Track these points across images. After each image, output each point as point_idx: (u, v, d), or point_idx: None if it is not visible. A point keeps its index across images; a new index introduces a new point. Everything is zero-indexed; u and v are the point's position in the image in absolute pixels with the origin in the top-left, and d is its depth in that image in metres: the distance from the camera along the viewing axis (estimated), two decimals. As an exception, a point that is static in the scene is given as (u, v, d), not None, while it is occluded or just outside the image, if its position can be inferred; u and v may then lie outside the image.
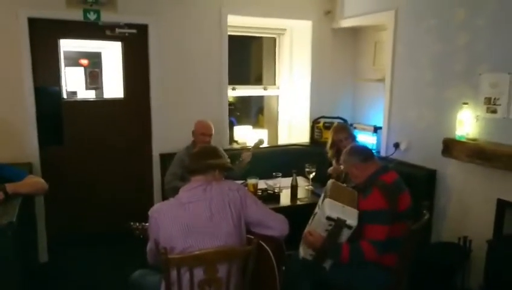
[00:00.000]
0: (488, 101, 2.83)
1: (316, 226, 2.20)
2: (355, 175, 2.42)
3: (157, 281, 2.00)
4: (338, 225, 2.09)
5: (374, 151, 2.98)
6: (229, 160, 2.29)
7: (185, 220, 1.86)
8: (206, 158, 2.04)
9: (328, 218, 2.08)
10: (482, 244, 2.78)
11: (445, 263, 2.95)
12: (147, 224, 2.13)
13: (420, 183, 3.20)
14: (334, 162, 3.32)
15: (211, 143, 3.30)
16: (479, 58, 2.90)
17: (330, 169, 3.30)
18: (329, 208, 2.11)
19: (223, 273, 1.84)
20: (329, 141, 3.35)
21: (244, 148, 3.47)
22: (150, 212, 1.92)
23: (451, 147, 2.97)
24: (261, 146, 3.52)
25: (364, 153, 2.42)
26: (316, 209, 2.35)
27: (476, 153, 2.78)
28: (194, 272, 1.78)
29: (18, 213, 2.13)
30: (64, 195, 3.60)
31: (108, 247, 3.61)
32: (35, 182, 2.56)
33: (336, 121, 4.12)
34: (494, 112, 2.79)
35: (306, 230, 2.30)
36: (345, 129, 3.33)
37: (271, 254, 2.04)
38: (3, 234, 1.98)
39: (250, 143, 4.35)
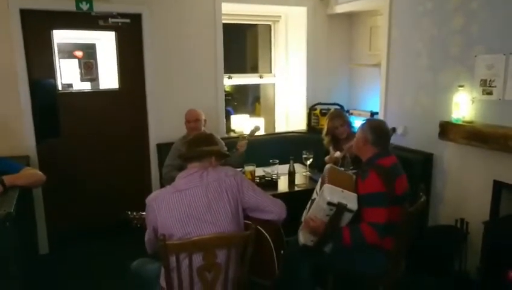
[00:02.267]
0: (483, 83, 2.82)
1: (316, 212, 2.21)
2: (358, 147, 2.41)
3: (157, 268, 2.02)
4: (339, 209, 2.11)
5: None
6: (225, 147, 2.30)
7: (183, 207, 1.86)
8: (201, 145, 2.04)
9: (329, 203, 2.10)
10: (478, 226, 2.80)
11: (443, 245, 2.98)
12: (144, 213, 2.14)
13: (417, 167, 3.21)
14: (331, 148, 3.32)
15: (203, 130, 3.32)
16: (474, 40, 2.89)
17: (327, 158, 3.29)
18: (329, 194, 2.12)
19: (222, 259, 1.85)
20: (325, 128, 3.35)
21: (241, 136, 3.44)
22: (147, 200, 1.92)
23: (447, 130, 2.98)
24: (257, 133, 3.50)
25: (380, 139, 2.35)
26: (314, 195, 2.36)
27: (472, 136, 2.78)
28: (193, 258, 1.79)
29: (16, 204, 2.13)
30: (62, 187, 3.61)
31: (108, 238, 3.62)
32: (32, 173, 2.55)
33: (333, 107, 4.12)
34: (490, 93, 2.79)
35: (306, 216, 2.31)
36: (340, 116, 3.32)
37: (269, 238, 2.05)
38: (1, 225, 1.98)
39: (247, 131, 4.36)
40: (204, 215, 1.88)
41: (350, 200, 2.13)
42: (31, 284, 2.84)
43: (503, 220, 2.81)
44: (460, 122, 2.91)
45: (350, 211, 2.12)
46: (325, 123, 3.45)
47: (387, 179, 2.20)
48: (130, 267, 2.19)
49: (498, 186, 2.81)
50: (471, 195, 2.99)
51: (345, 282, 2.65)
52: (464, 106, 2.92)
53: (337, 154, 3.17)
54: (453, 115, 2.98)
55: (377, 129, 2.38)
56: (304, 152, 3.30)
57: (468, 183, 3.02)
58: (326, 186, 2.16)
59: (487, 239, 2.71)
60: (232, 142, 3.45)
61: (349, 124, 3.30)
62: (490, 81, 2.78)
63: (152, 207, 1.89)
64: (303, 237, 2.31)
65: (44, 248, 3.57)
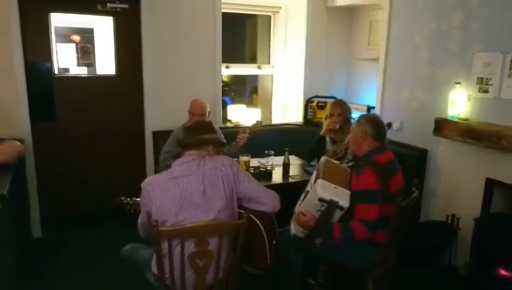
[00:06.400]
0: (480, 81, 2.83)
1: (308, 206, 2.20)
2: (356, 142, 2.40)
3: (149, 254, 2.03)
4: (330, 206, 2.10)
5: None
6: (223, 137, 2.31)
7: (178, 194, 1.86)
8: (200, 133, 2.04)
9: (321, 199, 2.09)
10: (469, 222, 2.83)
11: (433, 240, 3.01)
12: (137, 199, 2.14)
13: (411, 162, 3.23)
14: (327, 137, 3.32)
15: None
16: (473, 37, 2.89)
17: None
18: (321, 189, 2.11)
19: (214, 246, 1.86)
20: (327, 112, 3.35)
21: (241, 128, 3.40)
22: (142, 185, 1.92)
23: (442, 126, 2.99)
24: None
25: (380, 132, 2.36)
26: (308, 188, 2.36)
27: (467, 133, 2.80)
28: (185, 245, 1.80)
29: (9, 187, 2.14)
30: (57, 170, 3.61)
31: (101, 222, 3.63)
32: (6, 146, 2.47)
33: (330, 100, 4.11)
34: (486, 91, 2.80)
35: (298, 209, 2.31)
36: (340, 105, 3.28)
37: (262, 228, 2.06)
38: (-6, 207, 1.99)
39: (244, 122, 4.35)
40: (199, 202, 1.88)
41: (342, 197, 2.11)
42: (24, 267, 2.85)
43: (494, 217, 2.84)
44: (455, 119, 2.93)
45: (341, 208, 2.11)
46: (321, 116, 3.46)
47: (382, 177, 2.20)
48: (121, 252, 2.19)
49: (490, 184, 2.83)
50: (464, 192, 3.02)
51: (335, 273, 2.69)
52: (460, 103, 2.93)
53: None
54: (448, 111, 2.99)
55: (375, 122, 2.38)
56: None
57: (461, 180, 3.04)
58: (320, 181, 2.15)
59: (477, 235, 2.75)
60: (229, 132, 3.45)
61: (346, 117, 3.30)
62: (487, 79, 2.79)
63: (147, 192, 1.89)
64: (294, 228, 2.31)
65: (37, 231, 3.57)
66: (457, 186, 3.08)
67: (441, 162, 3.20)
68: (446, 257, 3.02)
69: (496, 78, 2.72)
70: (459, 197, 3.06)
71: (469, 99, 2.91)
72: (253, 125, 3.34)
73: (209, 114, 3.35)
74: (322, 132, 3.31)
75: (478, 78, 2.84)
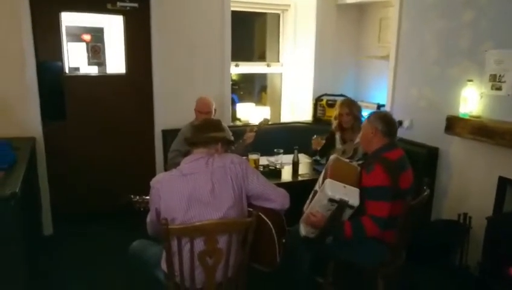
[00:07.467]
0: (493, 78, 2.79)
1: (318, 206, 2.20)
2: (366, 138, 2.39)
3: (158, 251, 2.03)
4: (340, 206, 2.10)
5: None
6: (231, 135, 2.30)
7: (187, 192, 1.87)
8: (208, 131, 2.04)
9: (331, 200, 2.09)
10: (481, 221, 2.79)
11: (445, 239, 2.98)
12: (147, 197, 2.15)
13: (422, 160, 3.20)
14: (337, 136, 3.31)
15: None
16: (485, 34, 2.85)
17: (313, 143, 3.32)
18: (330, 189, 2.10)
19: (223, 244, 1.86)
20: (336, 112, 3.34)
21: (248, 126, 3.39)
22: (152, 183, 1.93)
23: (454, 124, 2.96)
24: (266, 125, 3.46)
25: (391, 128, 2.34)
26: (316, 187, 2.35)
27: (479, 130, 2.76)
28: (194, 243, 1.80)
29: (21, 184, 2.16)
30: (68, 168, 3.63)
31: (112, 220, 3.64)
32: None
33: (339, 98, 4.09)
34: (499, 89, 2.76)
35: (307, 210, 2.30)
36: (348, 105, 3.27)
37: (271, 226, 2.05)
38: (6, 204, 2.00)
39: (253, 121, 4.35)
40: (208, 200, 1.88)
41: (352, 196, 2.11)
42: (34, 264, 2.88)
43: (507, 217, 2.80)
44: (467, 117, 2.89)
45: (351, 207, 2.11)
46: (331, 114, 3.45)
47: (392, 173, 2.19)
48: (129, 248, 2.20)
49: (503, 183, 2.79)
50: (476, 190, 2.98)
51: (345, 272, 2.67)
52: (472, 100, 2.90)
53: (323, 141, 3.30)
54: (460, 109, 2.95)
55: (386, 119, 2.36)
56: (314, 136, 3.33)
57: (472, 179, 3.01)
58: (328, 181, 2.14)
59: (489, 235, 2.71)
60: (237, 131, 3.44)
61: (355, 116, 3.27)
62: (500, 76, 2.75)
63: (156, 189, 1.90)
64: (304, 230, 2.31)
65: (49, 228, 3.61)
66: (469, 184, 3.04)
67: (452, 160, 3.17)
68: (457, 256, 2.99)
69: (509, 75, 2.68)
70: (471, 195, 3.02)
71: (481, 96, 2.87)
72: (261, 123, 3.34)
73: (215, 112, 3.35)
74: (313, 147, 3.34)
75: (491, 75, 2.80)
